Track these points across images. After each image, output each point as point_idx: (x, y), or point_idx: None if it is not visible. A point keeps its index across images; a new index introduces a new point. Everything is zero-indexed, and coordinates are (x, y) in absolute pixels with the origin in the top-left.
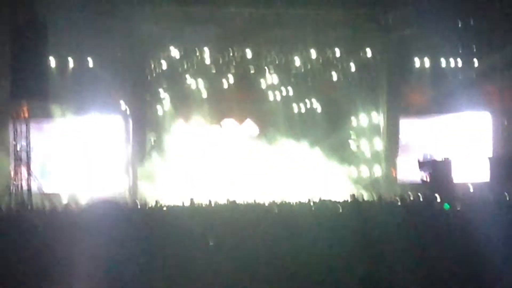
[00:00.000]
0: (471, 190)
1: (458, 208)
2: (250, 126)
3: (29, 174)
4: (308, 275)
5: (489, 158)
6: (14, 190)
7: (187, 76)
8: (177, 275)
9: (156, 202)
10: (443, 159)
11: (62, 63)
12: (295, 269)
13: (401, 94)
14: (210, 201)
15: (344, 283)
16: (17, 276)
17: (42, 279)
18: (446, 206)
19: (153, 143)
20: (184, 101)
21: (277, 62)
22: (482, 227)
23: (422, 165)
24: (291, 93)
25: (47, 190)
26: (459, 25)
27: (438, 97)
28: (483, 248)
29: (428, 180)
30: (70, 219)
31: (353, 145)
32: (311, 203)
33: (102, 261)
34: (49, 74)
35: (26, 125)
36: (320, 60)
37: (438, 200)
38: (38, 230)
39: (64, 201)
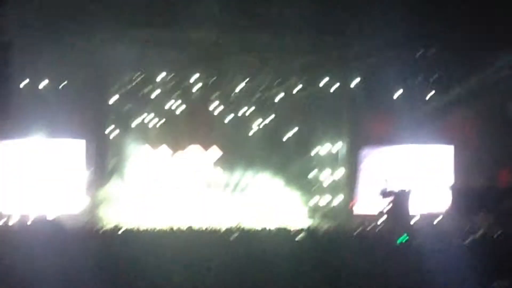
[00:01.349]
0: (430, 222)
1: (414, 242)
2: (215, 153)
3: None
4: None
5: (451, 187)
6: None
7: (150, 100)
8: None
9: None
10: (401, 191)
11: (23, 84)
12: None
13: (363, 123)
14: (164, 226)
15: None
16: None
17: None
18: (401, 239)
19: (113, 167)
20: (147, 126)
21: (239, 89)
22: (440, 262)
23: (380, 195)
24: (253, 121)
25: (3, 210)
26: (424, 57)
27: (400, 128)
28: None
29: (385, 211)
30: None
31: (312, 174)
32: (269, 230)
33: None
34: (10, 94)
35: None
36: (282, 87)
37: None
38: None
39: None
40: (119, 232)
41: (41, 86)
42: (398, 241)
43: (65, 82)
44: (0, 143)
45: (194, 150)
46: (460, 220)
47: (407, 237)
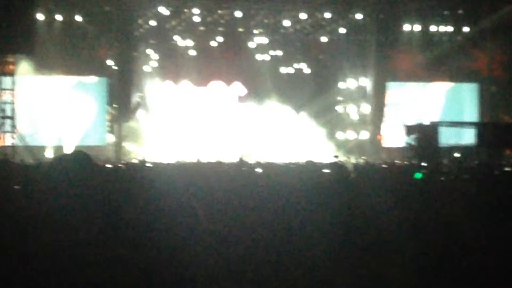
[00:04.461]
0: (457, 155)
1: (442, 178)
2: (238, 89)
3: (13, 127)
4: (292, 234)
5: (475, 123)
6: None
7: (175, 35)
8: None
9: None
10: (430, 123)
11: (49, 19)
12: (278, 228)
13: (389, 58)
14: (192, 159)
15: (325, 242)
16: None
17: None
18: (418, 175)
19: (138, 101)
20: (171, 61)
21: (266, 22)
22: (465, 197)
23: (409, 129)
24: (279, 54)
25: (31, 143)
26: None
27: (426, 63)
28: (463, 215)
29: (415, 144)
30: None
31: (340, 108)
32: (296, 163)
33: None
34: (35, 30)
35: (12, 80)
36: (309, 21)
37: (424, 164)
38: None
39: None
40: (146, 165)
41: (63, 21)
42: (416, 176)
43: (89, 18)
44: (24, 78)
45: (216, 86)
46: (484, 154)
47: (422, 175)
